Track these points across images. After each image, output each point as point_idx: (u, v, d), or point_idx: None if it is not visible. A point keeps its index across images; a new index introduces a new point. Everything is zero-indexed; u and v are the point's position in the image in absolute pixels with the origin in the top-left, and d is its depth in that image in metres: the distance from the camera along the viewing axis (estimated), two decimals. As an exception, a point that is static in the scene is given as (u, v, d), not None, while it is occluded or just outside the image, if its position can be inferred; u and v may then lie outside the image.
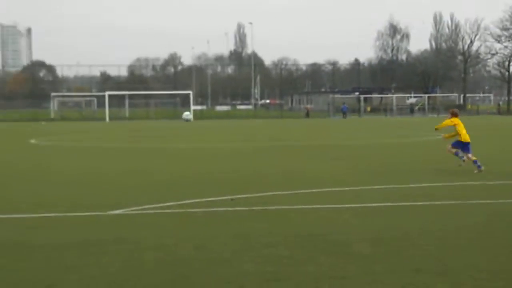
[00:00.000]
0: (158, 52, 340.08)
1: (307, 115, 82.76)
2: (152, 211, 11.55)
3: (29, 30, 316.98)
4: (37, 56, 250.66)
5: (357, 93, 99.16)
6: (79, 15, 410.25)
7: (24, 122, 72.52)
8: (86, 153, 26.55)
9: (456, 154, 18.07)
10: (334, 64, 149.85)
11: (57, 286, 6.88)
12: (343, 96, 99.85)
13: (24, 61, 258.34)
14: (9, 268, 7.65)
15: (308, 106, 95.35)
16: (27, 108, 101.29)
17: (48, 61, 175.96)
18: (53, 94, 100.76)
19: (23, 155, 25.83)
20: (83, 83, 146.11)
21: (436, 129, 19.05)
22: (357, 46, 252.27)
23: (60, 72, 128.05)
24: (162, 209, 11.74)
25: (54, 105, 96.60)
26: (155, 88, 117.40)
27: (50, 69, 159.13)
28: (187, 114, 21.59)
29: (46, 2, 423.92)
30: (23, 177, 17.42)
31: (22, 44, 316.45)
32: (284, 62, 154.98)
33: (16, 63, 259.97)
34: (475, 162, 17.38)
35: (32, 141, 34.91)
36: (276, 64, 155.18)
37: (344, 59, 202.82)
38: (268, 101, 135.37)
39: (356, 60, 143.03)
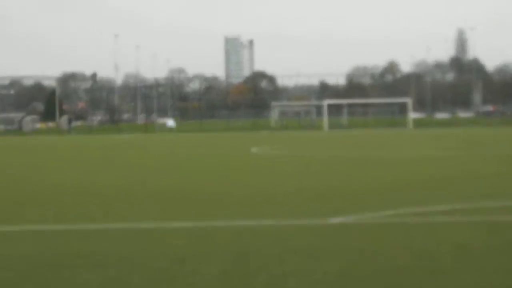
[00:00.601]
0: (377, 60, 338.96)
1: (533, 122, 79.03)
2: (370, 221, 11.55)
3: (251, 42, 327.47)
4: (258, 67, 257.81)
5: None
6: (297, 26, 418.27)
7: (246, 131, 74.92)
8: (304, 162, 26.98)
9: None
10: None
11: (276, 291, 7.06)
12: None
13: (246, 72, 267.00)
14: (222, 275, 7.92)
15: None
16: (249, 117, 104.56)
17: (269, 71, 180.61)
18: (273, 103, 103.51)
19: (244, 164, 26.69)
20: (302, 93, 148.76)
21: None
22: None
23: (280, 82, 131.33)
24: (379, 219, 11.70)
25: (274, 114, 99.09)
26: (373, 96, 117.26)
27: (271, 79, 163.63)
28: (171, 123, 21.82)
29: (268, 15, 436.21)
30: (243, 185, 17.99)
31: (245, 56, 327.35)
32: (507, 68, 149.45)
33: (238, 74, 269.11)
34: None
35: (253, 150, 35.98)
36: (499, 70, 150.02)
37: None
38: (490, 108, 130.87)
39: None
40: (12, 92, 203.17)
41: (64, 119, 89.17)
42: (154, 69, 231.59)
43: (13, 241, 10.18)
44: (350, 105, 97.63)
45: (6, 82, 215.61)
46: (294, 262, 8.39)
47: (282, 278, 7.59)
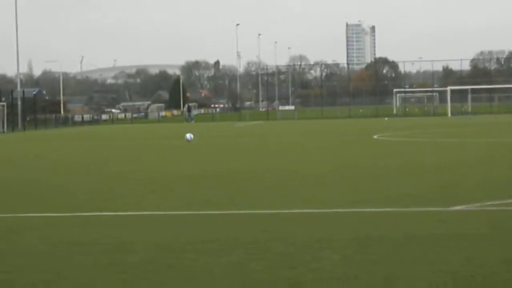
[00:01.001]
0: (503, 44, 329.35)
1: None
2: (494, 208, 11.29)
3: (373, 28, 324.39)
4: (380, 53, 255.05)
5: None
6: (420, 11, 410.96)
7: (368, 118, 74.35)
8: (427, 148, 26.57)
9: None
10: None
11: (396, 278, 7.00)
12: None
13: (368, 59, 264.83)
14: (344, 260, 7.91)
15: None
16: (370, 104, 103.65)
17: (391, 57, 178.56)
18: (395, 90, 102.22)
19: (366, 150, 26.54)
20: (424, 79, 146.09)
21: None
22: None
23: (402, 68, 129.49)
24: (503, 206, 11.42)
25: (396, 101, 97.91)
26: (499, 82, 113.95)
27: (393, 65, 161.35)
28: (189, 137, 23.10)
29: (390, 0, 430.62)
30: (365, 171, 17.89)
31: (366, 42, 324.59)
32: None
33: (360, 61, 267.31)
34: None
35: (375, 136, 35.73)
36: None
37: None
38: None
39: None
40: (138, 80, 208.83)
41: (186, 107, 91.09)
42: (275, 56, 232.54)
43: (137, 227, 10.48)
44: (474, 91, 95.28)
45: (133, 71, 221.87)
46: (417, 249, 8.30)
47: (404, 265, 7.52)
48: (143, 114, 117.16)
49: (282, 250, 8.43)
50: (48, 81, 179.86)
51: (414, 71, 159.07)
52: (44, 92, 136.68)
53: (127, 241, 9.14)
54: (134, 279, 7.20)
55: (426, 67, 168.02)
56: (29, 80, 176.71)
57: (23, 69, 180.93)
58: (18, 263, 8.08)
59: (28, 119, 74.41)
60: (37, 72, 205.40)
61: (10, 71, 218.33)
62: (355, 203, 12.21)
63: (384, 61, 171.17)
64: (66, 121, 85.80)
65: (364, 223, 10.26)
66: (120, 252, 8.51)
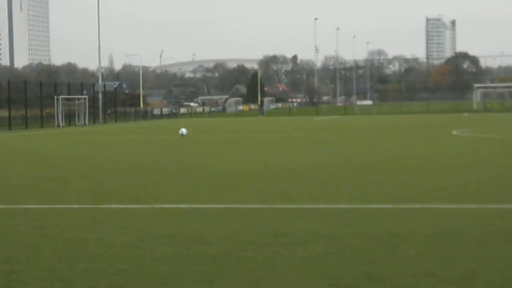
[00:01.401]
0: None
1: None
2: None
3: (453, 22, 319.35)
4: (460, 47, 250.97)
5: None
6: (502, 6, 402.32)
7: (447, 114, 73.27)
8: (508, 145, 26.10)
9: None
10: None
11: (474, 276, 6.93)
12: None
13: (448, 53, 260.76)
14: (420, 256, 7.87)
15: None
16: (450, 99, 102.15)
17: (472, 52, 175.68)
18: (476, 85, 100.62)
19: (445, 146, 26.21)
20: (506, 73, 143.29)
21: None
22: None
23: (483, 63, 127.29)
24: None
25: (477, 96, 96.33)
26: None
27: (474, 60, 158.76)
28: (183, 131, 24.42)
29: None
30: (442, 167, 17.67)
31: (446, 36, 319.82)
32: None
33: (440, 55, 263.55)
34: None
35: (454, 132, 35.24)
36: None
37: None
38: None
39: None
40: (216, 74, 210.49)
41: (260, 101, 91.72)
42: (353, 50, 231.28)
43: (214, 220, 10.57)
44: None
45: (211, 65, 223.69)
46: (496, 247, 8.19)
47: (482, 263, 7.44)
48: (221, 108, 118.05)
49: (360, 245, 8.42)
50: (128, 75, 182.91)
51: (495, 66, 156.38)
52: (124, 85, 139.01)
53: (204, 234, 9.25)
54: (213, 271, 7.30)
55: (508, 61, 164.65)
56: (110, 74, 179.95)
57: (104, 63, 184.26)
58: (100, 253, 8.28)
59: (108, 112, 75.84)
60: (117, 66, 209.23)
61: (92, 65, 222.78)
62: (433, 198, 12.11)
63: (464, 56, 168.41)
64: (145, 115, 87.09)
65: (442, 219, 10.17)
66: (198, 244, 8.63)
